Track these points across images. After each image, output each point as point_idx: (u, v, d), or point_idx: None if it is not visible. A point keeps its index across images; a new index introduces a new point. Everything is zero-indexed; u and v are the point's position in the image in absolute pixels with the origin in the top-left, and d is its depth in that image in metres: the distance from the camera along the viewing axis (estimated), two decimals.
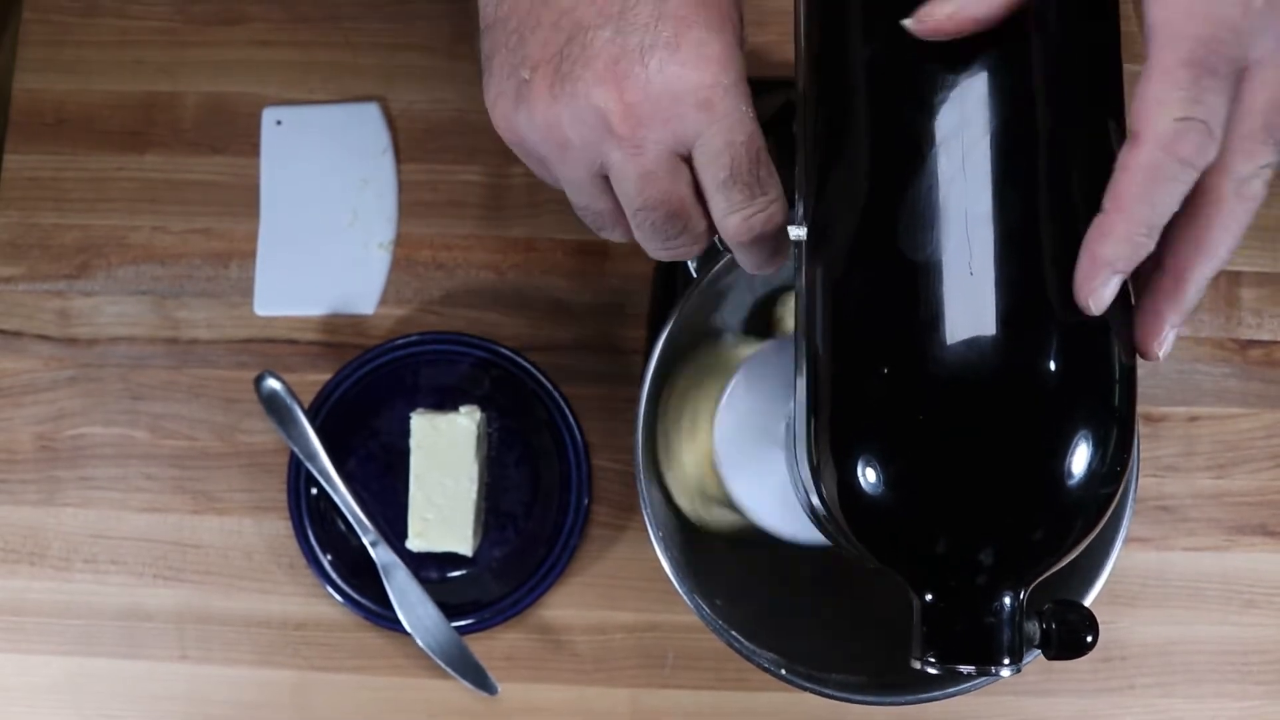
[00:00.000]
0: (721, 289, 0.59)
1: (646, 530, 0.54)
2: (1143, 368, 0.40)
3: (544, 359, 0.69)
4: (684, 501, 0.58)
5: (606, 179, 0.45)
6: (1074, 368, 0.38)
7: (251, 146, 0.73)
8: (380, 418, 0.70)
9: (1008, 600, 0.39)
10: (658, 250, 0.46)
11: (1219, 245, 0.39)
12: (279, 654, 0.69)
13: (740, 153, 0.42)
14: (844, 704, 0.55)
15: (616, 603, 0.69)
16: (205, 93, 0.74)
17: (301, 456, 0.67)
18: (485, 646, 0.68)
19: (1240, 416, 0.70)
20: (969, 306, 0.38)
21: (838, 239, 0.41)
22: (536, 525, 0.69)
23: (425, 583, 0.67)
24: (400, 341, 0.69)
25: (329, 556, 0.68)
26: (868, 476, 0.39)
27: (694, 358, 0.58)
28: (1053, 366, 0.38)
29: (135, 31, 0.75)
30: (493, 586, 0.68)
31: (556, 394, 0.68)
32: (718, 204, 0.44)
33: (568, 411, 0.68)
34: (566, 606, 0.69)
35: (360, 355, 0.69)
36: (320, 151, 0.73)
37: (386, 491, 0.69)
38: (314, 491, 0.68)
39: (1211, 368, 0.71)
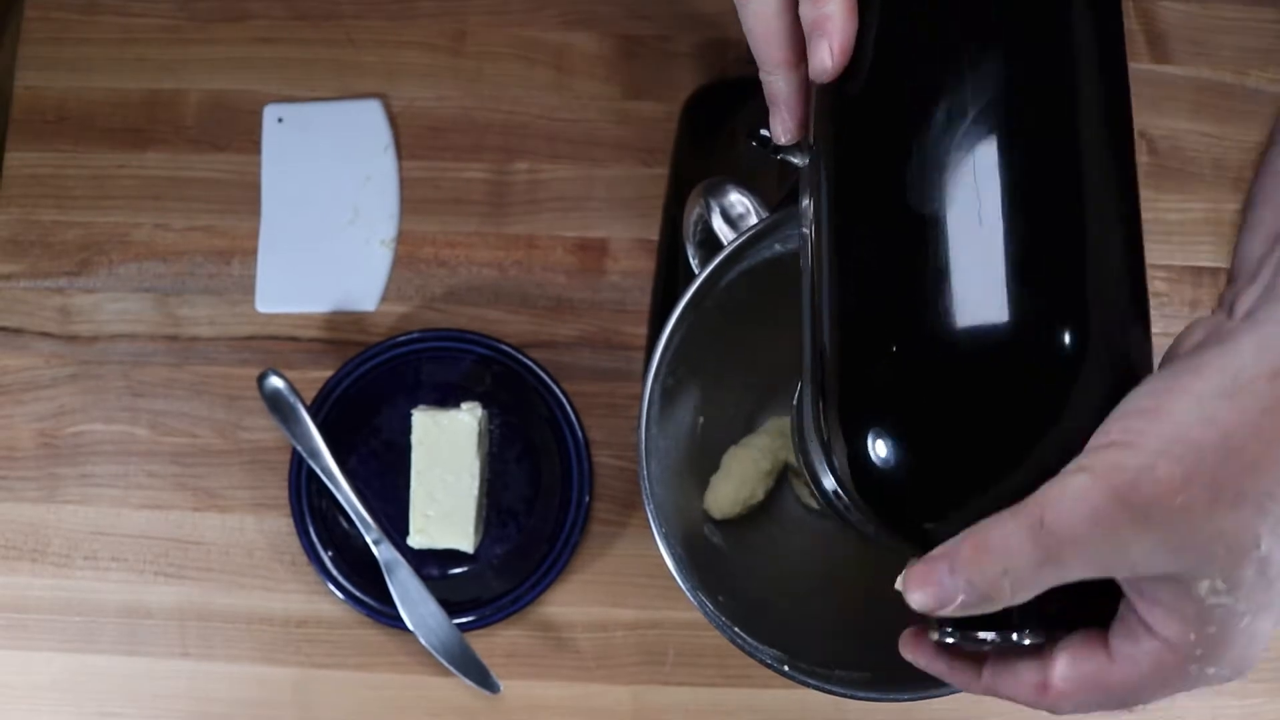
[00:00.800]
0: (725, 284, 0.58)
1: (648, 526, 0.54)
2: None
3: (545, 356, 0.69)
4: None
5: None
6: (1090, 329, 0.37)
7: (253, 144, 0.73)
8: (382, 414, 0.70)
9: None
10: None
11: None
12: (280, 651, 0.69)
13: None
14: (846, 700, 0.55)
15: (618, 600, 0.69)
16: (207, 90, 0.74)
17: (304, 454, 0.67)
18: (486, 643, 0.68)
19: None
20: (979, 261, 0.37)
21: (847, 192, 0.40)
22: (538, 522, 0.69)
23: (426, 580, 0.67)
24: (402, 338, 0.69)
25: (330, 553, 0.68)
26: (879, 449, 0.38)
27: None
28: (1068, 328, 0.37)
29: (137, 29, 0.75)
30: (494, 583, 0.68)
31: (558, 390, 0.68)
32: None
33: (569, 408, 0.68)
34: (568, 603, 0.69)
35: (362, 352, 0.69)
36: (322, 148, 0.73)
37: (388, 488, 0.69)
38: (315, 488, 0.68)
39: None
